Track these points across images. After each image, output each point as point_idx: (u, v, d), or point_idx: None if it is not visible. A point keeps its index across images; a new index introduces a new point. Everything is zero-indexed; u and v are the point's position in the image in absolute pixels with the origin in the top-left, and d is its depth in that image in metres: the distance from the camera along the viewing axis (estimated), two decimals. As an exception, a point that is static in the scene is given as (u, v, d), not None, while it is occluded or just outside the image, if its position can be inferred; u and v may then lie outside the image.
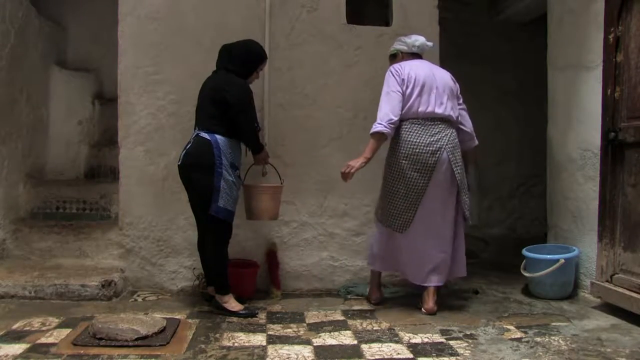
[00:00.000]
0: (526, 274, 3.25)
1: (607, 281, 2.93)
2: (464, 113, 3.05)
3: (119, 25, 3.27)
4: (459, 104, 3.01)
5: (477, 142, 3.13)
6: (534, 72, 4.35)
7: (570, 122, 3.40)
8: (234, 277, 2.92)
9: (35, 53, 3.86)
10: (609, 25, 2.98)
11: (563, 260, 3.10)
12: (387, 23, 3.51)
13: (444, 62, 3.55)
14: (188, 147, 2.82)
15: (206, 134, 2.77)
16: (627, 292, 2.75)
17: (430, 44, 3.03)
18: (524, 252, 3.33)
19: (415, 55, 3.01)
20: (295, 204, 3.35)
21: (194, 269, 3.23)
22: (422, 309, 2.89)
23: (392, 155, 2.89)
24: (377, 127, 2.76)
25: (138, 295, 3.17)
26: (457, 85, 3.04)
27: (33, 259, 3.40)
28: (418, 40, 2.99)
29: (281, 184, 3.12)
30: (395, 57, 3.03)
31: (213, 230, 2.81)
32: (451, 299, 3.19)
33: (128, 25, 3.27)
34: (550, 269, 3.09)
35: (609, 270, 2.93)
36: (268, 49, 3.21)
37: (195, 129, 2.86)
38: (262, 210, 3.00)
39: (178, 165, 2.85)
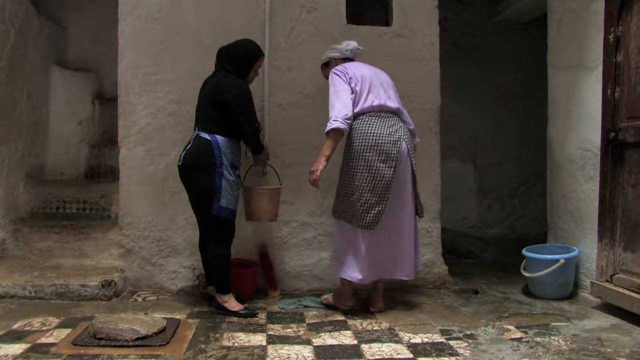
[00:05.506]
0: (526, 274, 3.25)
1: (607, 281, 2.93)
2: (405, 111, 3.01)
3: (119, 25, 3.27)
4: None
5: (418, 140, 3.10)
6: (534, 72, 4.35)
7: (570, 122, 3.40)
8: (234, 277, 2.92)
9: (35, 53, 3.86)
10: (609, 25, 2.98)
11: (563, 260, 3.10)
12: (387, 23, 3.51)
13: (444, 62, 3.56)
14: (188, 147, 2.82)
15: (206, 134, 2.77)
16: (627, 292, 2.75)
17: (361, 48, 3.02)
18: (524, 252, 3.34)
19: (348, 59, 2.99)
20: (295, 204, 3.35)
21: (194, 269, 3.23)
22: (371, 308, 2.91)
23: (353, 149, 2.79)
24: (333, 124, 2.68)
25: (138, 295, 3.17)
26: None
27: (33, 259, 3.40)
28: (350, 44, 2.98)
29: (280, 185, 3.12)
30: (327, 65, 3.01)
31: (215, 230, 2.80)
32: (451, 299, 3.20)
33: (128, 25, 3.27)
34: (550, 269, 3.10)
35: (609, 270, 2.93)
36: (268, 49, 3.22)
37: (195, 129, 2.86)
38: (261, 212, 3.00)
39: (178, 165, 2.86)
